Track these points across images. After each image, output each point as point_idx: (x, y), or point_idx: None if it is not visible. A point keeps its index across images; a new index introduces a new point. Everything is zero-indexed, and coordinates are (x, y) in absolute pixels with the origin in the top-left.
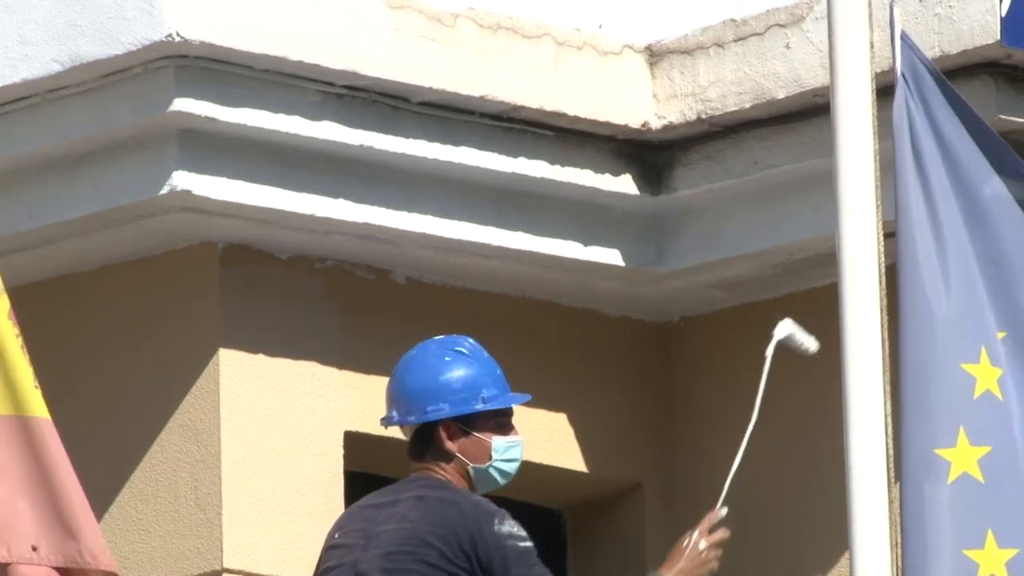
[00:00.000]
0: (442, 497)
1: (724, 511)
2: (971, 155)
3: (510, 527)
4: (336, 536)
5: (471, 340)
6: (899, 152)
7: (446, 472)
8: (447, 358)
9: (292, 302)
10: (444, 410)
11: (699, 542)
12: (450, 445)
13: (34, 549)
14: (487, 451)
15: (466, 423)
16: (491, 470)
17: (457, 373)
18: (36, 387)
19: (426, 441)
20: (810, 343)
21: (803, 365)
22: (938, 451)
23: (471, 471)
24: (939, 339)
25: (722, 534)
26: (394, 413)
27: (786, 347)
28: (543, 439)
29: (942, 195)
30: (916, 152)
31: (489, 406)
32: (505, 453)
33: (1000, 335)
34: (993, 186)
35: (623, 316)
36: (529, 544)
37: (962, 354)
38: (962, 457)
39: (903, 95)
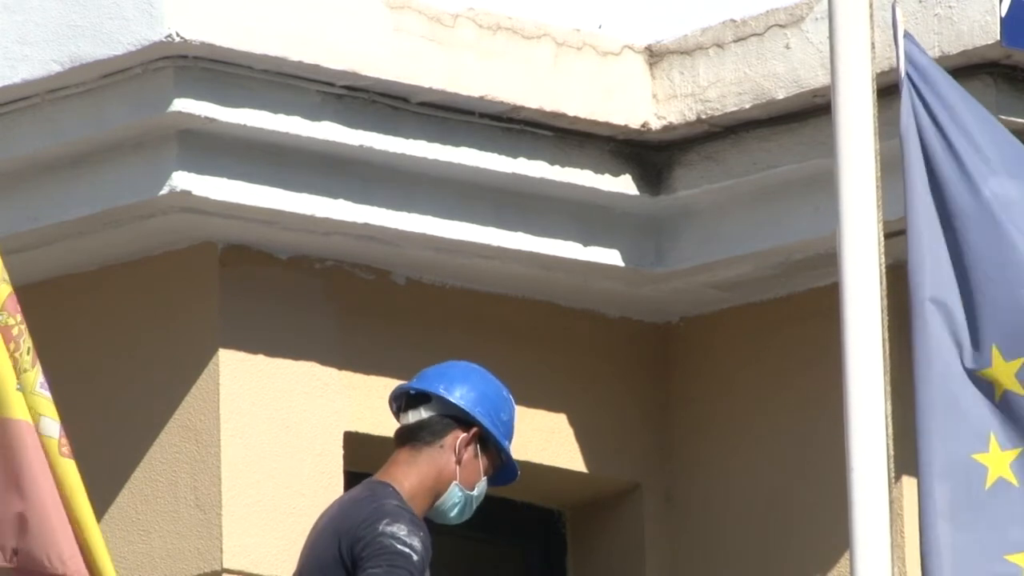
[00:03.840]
0: (357, 498)
1: None
2: (973, 155)
3: (399, 530)
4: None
5: None
6: (907, 152)
7: (423, 475)
8: (505, 393)
9: (292, 302)
10: (484, 420)
11: None
12: (463, 454)
13: (15, 553)
14: (473, 479)
15: (483, 444)
16: (460, 501)
17: (510, 408)
18: (18, 390)
19: (437, 431)
20: None
21: (804, 365)
22: (975, 456)
23: (450, 488)
24: (956, 342)
25: None
26: (441, 388)
27: None
28: (543, 439)
29: (950, 195)
30: (924, 152)
31: (507, 451)
32: (478, 489)
33: (1013, 330)
34: (992, 187)
35: (623, 316)
36: (408, 552)
37: (977, 359)
38: (996, 462)
39: (908, 95)
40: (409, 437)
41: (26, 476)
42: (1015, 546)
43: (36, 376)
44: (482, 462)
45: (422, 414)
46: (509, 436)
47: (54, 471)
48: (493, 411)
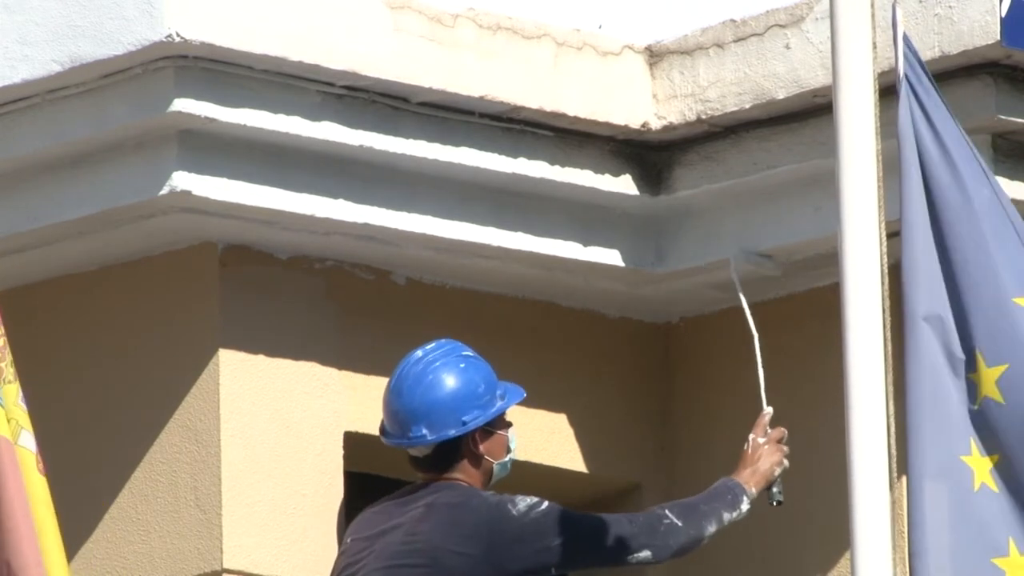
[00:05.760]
0: (452, 502)
1: (770, 409)
2: (968, 158)
3: (523, 502)
4: (348, 541)
5: (458, 342)
6: (904, 152)
7: (470, 476)
8: (462, 365)
9: (292, 302)
10: (479, 417)
11: (757, 441)
12: (482, 449)
13: None
14: (505, 445)
15: (489, 423)
16: (508, 462)
17: (477, 377)
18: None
19: (453, 451)
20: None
21: (804, 365)
22: (963, 458)
23: (495, 467)
24: (946, 343)
25: (779, 432)
26: (424, 431)
27: None
28: (543, 439)
29: (944, 196)
30: (920, 152)
31: (508, 402)
32: (513, 443)
33: (995, 336)
34: (988, 189)
35: (623, 316)
36: (545, 506)
37: (965, 363)
38: (978, 466)
39: (906, 96)
40: (434, 465)
41: (3, 491)
42: (1000, 550)
43: (17, 389)
44: (498, 431)
45: (430, 448)
46: (494, 399)
47: (29, 486)
48: (475, 402)
